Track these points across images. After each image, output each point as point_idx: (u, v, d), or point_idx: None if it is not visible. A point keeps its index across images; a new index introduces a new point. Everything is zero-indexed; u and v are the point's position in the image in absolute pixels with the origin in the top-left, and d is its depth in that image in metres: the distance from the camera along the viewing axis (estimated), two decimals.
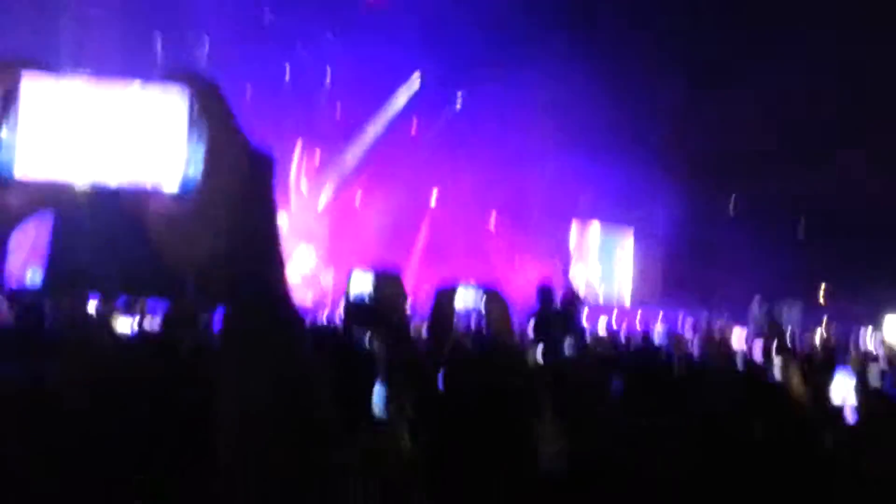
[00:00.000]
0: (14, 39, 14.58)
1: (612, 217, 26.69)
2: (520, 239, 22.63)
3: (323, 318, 9.95)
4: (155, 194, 0.96)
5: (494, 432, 2.58)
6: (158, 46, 18.48)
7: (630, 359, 7.13)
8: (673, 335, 11.66)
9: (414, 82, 22.30)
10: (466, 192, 21.42)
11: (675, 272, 25.12)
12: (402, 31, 18.78)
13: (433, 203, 23.39)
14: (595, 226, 26.80)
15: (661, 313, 19.61)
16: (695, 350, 9.60)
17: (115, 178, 0.95)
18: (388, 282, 3.75)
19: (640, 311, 21.13)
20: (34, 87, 0.95)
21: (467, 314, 3.94)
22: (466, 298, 3.88)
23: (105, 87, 0.95)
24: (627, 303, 25.32)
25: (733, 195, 24.26)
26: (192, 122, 0.96)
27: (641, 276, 27.41)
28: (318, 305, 14.89)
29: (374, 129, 22.43)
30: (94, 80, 0.96)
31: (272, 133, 20.61)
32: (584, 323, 9.87)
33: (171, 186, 0.95)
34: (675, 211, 24.28)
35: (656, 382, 5.36)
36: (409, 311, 4.12)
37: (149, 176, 0.95)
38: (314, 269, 20.86)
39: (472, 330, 4.21)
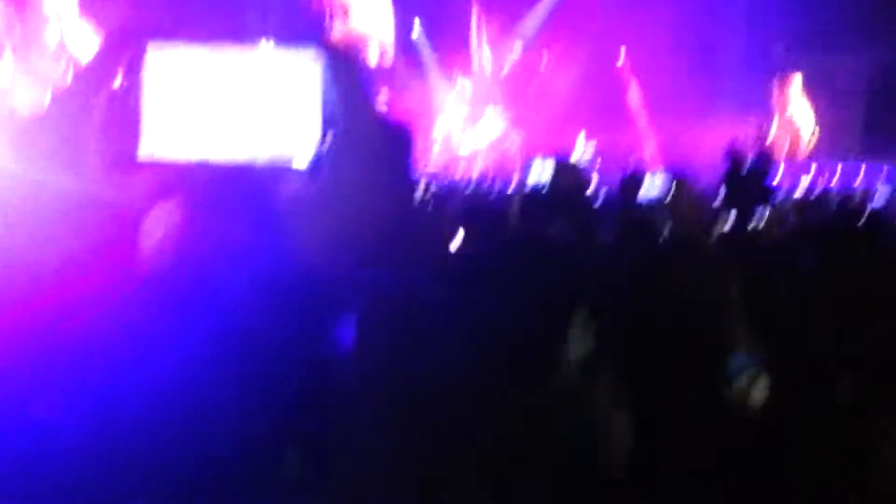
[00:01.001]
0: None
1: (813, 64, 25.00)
2: (714, 97, 21.64)
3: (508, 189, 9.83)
4: (285, 172, 0.88)
5: (677, 353, 2.38)
6: None
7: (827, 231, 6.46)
8: None
9: None
10: (655, 50, 20.57)
11: (879, 119, 23.13)
12: None
13: (621, 62, 22.64)
14: (797, 78, 25.22)
15: (862, 167, 18.51)
16: None
17: (244, 153, 0.88)
18: (567, 172, 3.59)
19: (840, 166, 19.91)
20: (160, 58, 0.87)
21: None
22: (653, 187, 3.67)
23: (234, 52, 0.86)
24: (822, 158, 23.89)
25: None
26: (325, 93, 0.87)
27: (839, 127, 25.68)
28: (505, 174, 14.93)
29: None
30: (223, 47, 0.86)
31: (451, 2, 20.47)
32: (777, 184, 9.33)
33: (301, 163, 0.87)
34: (876, 47, 22.27)
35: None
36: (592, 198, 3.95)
37: (279, 150, 0.87)
38: (502, 134, 20.78)
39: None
